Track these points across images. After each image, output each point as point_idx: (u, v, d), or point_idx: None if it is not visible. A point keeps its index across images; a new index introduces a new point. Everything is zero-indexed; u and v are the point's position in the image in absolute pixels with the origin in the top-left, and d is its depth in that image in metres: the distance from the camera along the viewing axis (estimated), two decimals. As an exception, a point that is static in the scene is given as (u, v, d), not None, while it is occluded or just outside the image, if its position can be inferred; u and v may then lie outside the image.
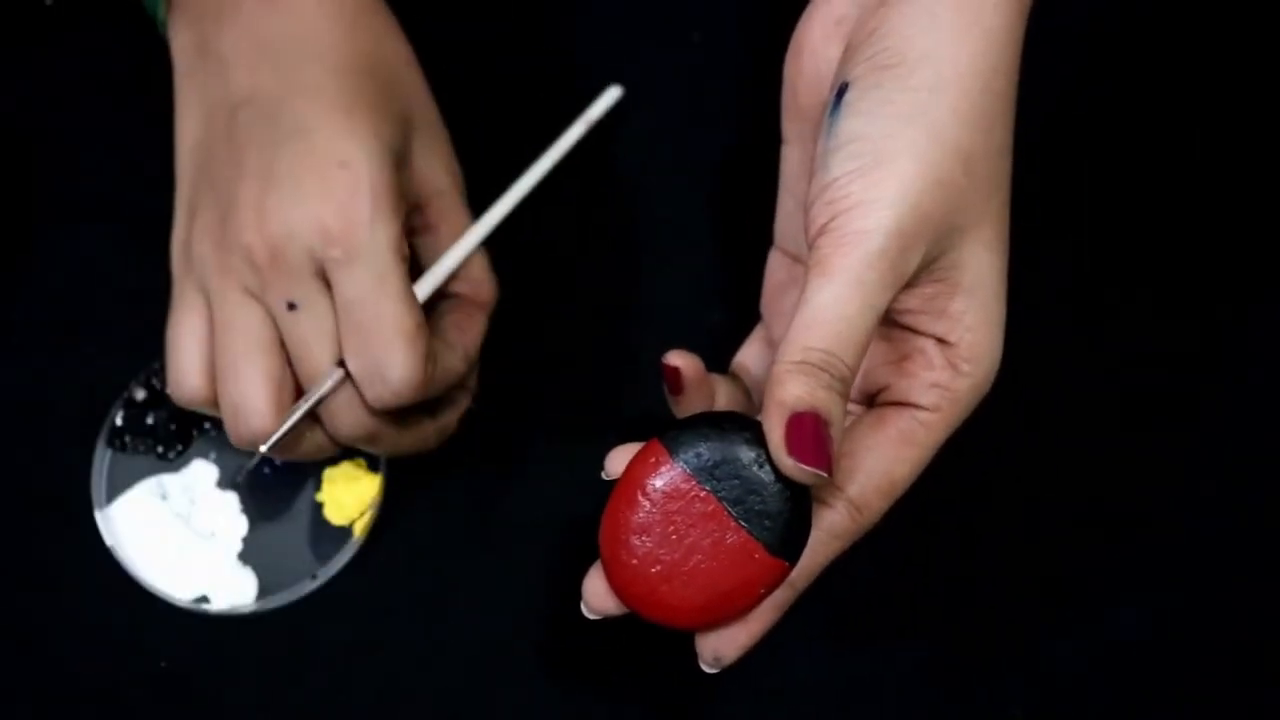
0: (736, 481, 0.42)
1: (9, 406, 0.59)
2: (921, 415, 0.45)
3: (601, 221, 0.62)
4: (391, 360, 0.50)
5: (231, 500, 0.58)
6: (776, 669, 0.56)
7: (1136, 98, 0.63)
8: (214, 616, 0.56)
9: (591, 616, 0.45)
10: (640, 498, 0.42)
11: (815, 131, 0.46)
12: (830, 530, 0.44)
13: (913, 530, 0.56)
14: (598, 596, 0.44)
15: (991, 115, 0.43)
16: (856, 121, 0.43)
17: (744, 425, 0.42)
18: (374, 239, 0.50)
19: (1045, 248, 0.60)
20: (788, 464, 0.41)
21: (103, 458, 0.58)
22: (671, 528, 0.42)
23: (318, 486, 0.58)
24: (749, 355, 0.52)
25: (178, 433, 0.58)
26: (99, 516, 0.57)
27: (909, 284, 0.43)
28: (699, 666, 0.45)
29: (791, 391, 0.40)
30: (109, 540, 0.57)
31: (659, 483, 0.42)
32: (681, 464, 0.42)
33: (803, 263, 0.50)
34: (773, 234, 0.52)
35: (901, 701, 0.56)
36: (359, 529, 0.57)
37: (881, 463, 0.44)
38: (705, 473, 0.42)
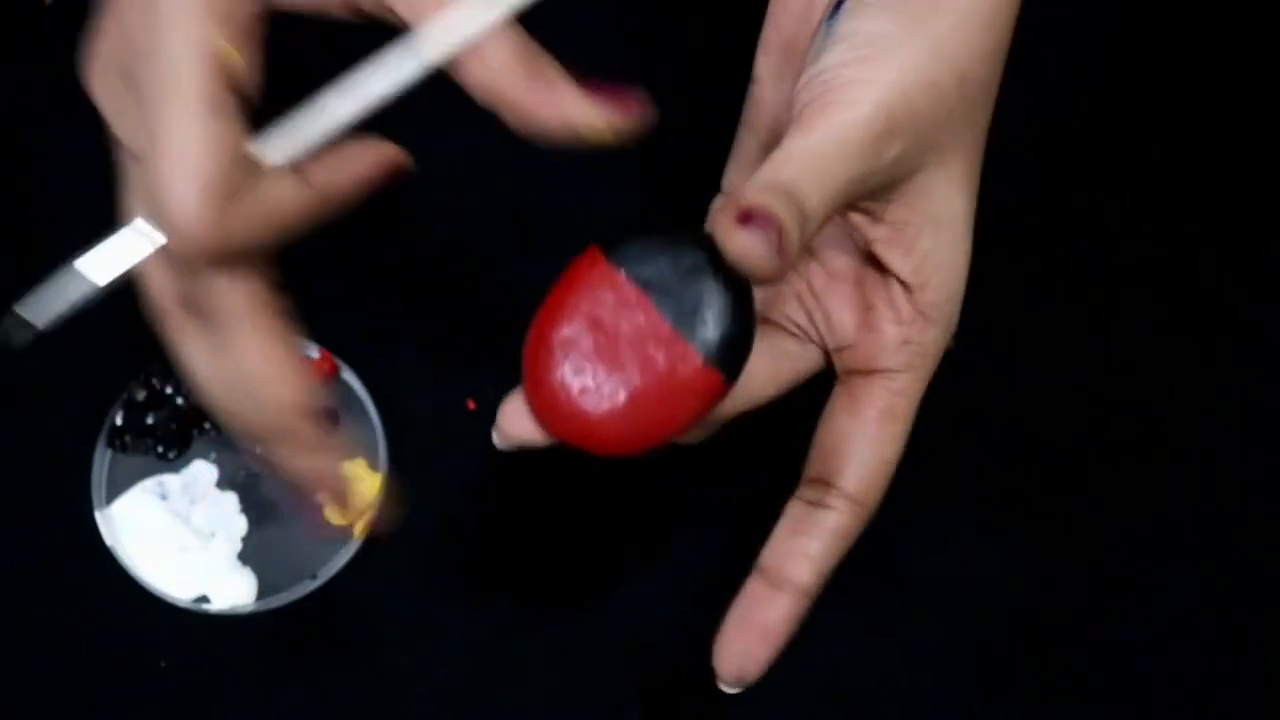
0: (678, 288, 0.38)
1: (9, 406, 0.59)
2: (896, 383, 0.44)
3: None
4: (167, 193, 0.40)
5: (231, 500, 0.58)
6: (779, 669, 0.56)
7: (1133, 77, 0.63)
8: (214, 616, 0.56)
9: (503, 446, 0.41)
10: (572, 307, 0.38)
11: (792, 65, 0.45)
12: (837, 533, 0.44)
13: (912, 529, 0.56)
14: (515, 419, 0.40)
15: (987, 49, 0.43)
16: (856, 21, 0.42)
17: (693, 233, 0.38)
18: (165, 46, 0.40)
19: (1042, 231, 0.60)
20: (736, 239, 0.37)
21: (103, 458, 0.58)
22: (604, 340, 0.38)
23: (318, 486, 0.58)
24: None
25: (178, 433, 0.58)
26: (99, 516, 0.57)
27: (878, 208, 0.42)
28: (716, 685, 0.43)
29: (752, 197, 0.38)
30: (109, 540, 0.57)
31: (595, 290, 0.38)
32: (619, 268, 0.38)
33: None
34: (720, 181, 0.50)
35: (903, 701, 0.56)
36: (359, 529, 0.57)
37: (871, 448, 0.44)
38: (644, 279, 0.38)
